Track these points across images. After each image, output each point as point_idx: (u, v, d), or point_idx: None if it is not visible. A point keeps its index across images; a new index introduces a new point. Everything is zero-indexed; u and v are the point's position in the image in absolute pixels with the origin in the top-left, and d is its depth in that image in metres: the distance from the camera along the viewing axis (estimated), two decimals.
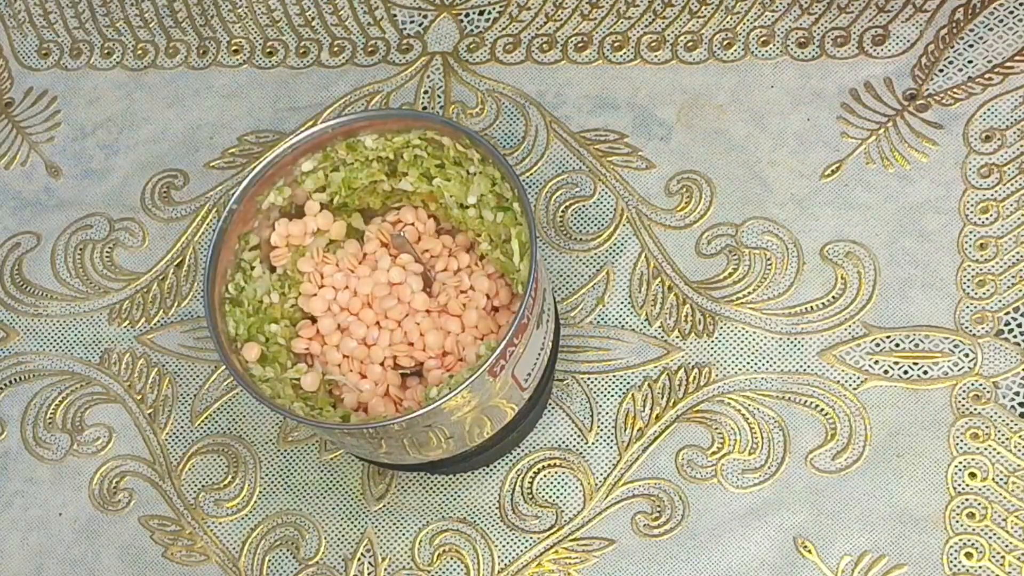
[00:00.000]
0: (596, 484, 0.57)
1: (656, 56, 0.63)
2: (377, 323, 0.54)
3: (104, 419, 0.62)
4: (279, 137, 0.65)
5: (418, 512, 0.58)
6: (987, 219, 0.57)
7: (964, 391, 0.55)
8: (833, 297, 0.58)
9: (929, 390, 0.56)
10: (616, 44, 0.64)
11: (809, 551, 0.54)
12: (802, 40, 0.62)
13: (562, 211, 0.61)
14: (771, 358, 0.57)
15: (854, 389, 0.56)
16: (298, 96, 0.66)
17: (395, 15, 0.67)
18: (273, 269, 0.55)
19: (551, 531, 0.57)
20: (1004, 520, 0.53)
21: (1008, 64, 0.59)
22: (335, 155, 0.54)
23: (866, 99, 0.60)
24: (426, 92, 0.65)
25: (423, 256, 0.55)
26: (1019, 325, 0.56)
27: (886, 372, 0.56)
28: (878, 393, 0.56)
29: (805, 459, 0.56)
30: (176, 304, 0.63)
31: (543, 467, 0.58)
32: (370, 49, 0.67)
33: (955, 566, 0.53)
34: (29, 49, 0.70)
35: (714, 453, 0.56)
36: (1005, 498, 0.54)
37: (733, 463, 0.56)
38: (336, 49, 0.67)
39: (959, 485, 0.54)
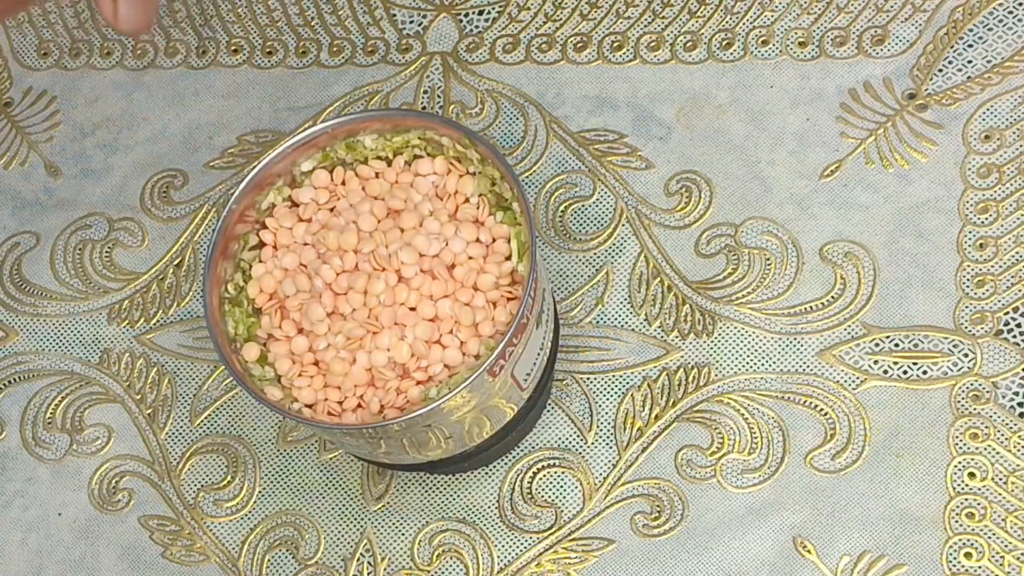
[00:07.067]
0: (595, 484, 0.57)
1: (655, 56, 0.63)
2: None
3: (103, 419, 0.62)
4: (278, 137, 0.65)
5: (417, 512, 0.58)
6: (986, 219, 0.57)
7: (963, 391, 0.55)
8: (832, 297, 0.58)
9: (928, 390, 0.56)
10: (615, 44, 0.64)
11: (809, 551, 0.54)
12: (801, 40, 0.62)
13: (561, 211, 0.61)
14: (770, 358, 0.57)
15: (853, 389, 0.56)
16: (297, 96, 0.66)
17: (395, 15, 0.67)
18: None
19: (550, 531, 0.57)
20: (1003, 520, 0.53)
21: (1007, 64, 0.59)
22: (335, 155, 0.54)
23: (865, 99, 0.60)
24: (426, 92, 0.65)
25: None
26: (1019, 325, 0.56)
27: (885, 372, 0.56)
28: (877, 393, 0.56)
29: (804, 459, 0.56)
30: (176, 304, 0.63)
31: (542, 467, 0.58)
32: (369, 49, 0.66)
33: (954, 566, 0.53)
34: (29, 49, 0.70)
35: (713, 453, 0.56)
36: (1004, 498, 0.54)
37: (732, 463, 0.56)
38: (335, 49, 0.67)
39: (958, 485, 0.54)
